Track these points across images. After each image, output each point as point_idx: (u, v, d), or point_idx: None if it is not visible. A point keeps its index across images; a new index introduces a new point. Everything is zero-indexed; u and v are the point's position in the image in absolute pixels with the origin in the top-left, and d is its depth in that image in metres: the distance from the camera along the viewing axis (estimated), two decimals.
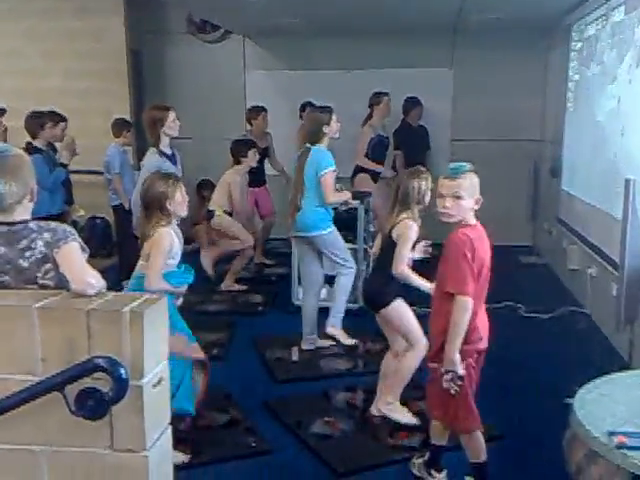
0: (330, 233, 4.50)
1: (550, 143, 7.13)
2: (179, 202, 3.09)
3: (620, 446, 1.82)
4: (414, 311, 3.48)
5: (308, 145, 4.43)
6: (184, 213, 3.17)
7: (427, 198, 3.39)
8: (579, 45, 6.01)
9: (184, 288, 3.15)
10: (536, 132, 7.55)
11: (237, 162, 5.74)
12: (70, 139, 5.41)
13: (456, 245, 2.59)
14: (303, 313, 4.66)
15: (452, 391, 2.63)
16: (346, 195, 4.65)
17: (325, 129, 4.35)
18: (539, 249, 7.47)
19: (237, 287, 5.95)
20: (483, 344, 2.73)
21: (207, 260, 5.87)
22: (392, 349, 3.58)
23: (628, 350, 3.87)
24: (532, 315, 5.30)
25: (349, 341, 4.61)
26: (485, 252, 2.63)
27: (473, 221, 2.69)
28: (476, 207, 2.67)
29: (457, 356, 2.57)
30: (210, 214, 5.75)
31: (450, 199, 2.60)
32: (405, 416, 3.51)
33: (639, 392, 2.14)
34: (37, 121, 5.26)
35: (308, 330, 4.62)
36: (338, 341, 4.63)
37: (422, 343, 3.37)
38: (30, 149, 5.12)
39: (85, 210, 6.79)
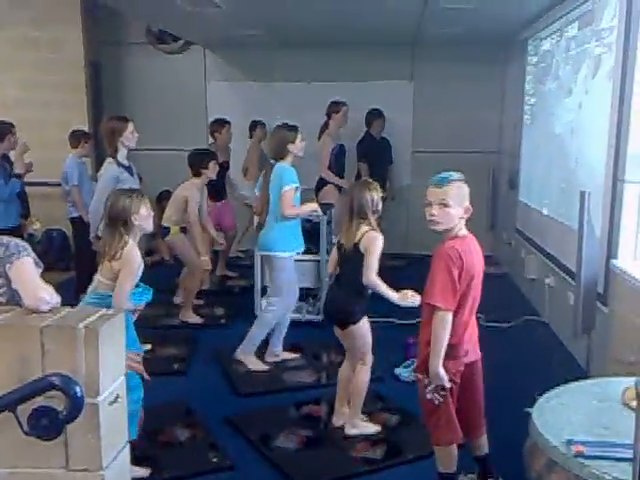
0: (282, 259, 4.38)
1: (508, 155, 7.27)
2: (144, 217, 3.06)
3: (578, 455, 1.84)
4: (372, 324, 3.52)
5: (272, 161, 4.44)
6: (150, 228, 3.14)
7: (380, 207, 3.46)
8: (535, 59, 6.16)
9: (142, 305, 3.14)
10: (494, 144, 7.69)
11: (196, 174, 5.36)
12: (23, 146, 5.31)
13: (441, 259, 2.58)
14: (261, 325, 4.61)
15: (436, 402, 2.64)
16: (309, 207, 4.51)
17: (290, 147, 4.35)
18: (498, 259, 7.58)
19: (194, 319, 5.43)
20: (469, 358, 2.72)
21: (188, 314, 5.47)
22: (349, 360, 3.62)
23: (586, 358, 3.94)
24: (492, 324, 5.36)
25: (259, 366, 4.46)
26: (474, 265, 2.62)
27: (463, 232, 2.67)
28: (465, 216, 2.65)
29: (441, 370, 2.56)
30: (165, 230, 5.37)
31: (437, 207, 2.61)
32: (368, 427, 3.59)
33: (596, 401, 2.18)
34: None
35: (273, 343, 4.59)
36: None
37: (370, 357, 3.53)
38: None
39: (42, 223, 6.63)
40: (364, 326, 3.46)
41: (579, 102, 4.68)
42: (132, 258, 2.95)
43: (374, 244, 3.33)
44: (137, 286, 3.10)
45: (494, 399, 3.92)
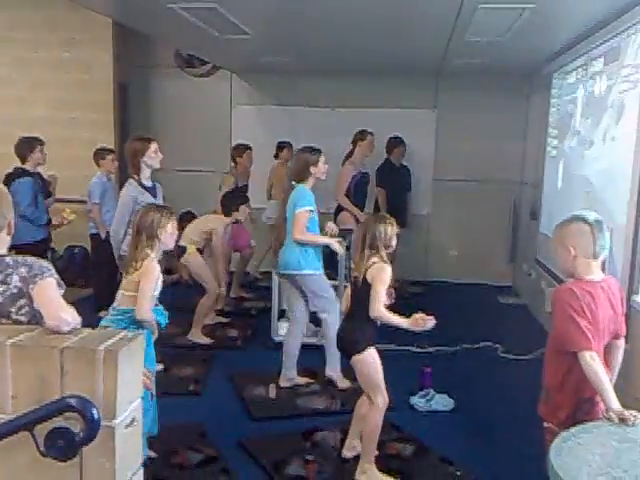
0: (311, 275, 4.45)
1: (530, 186, 7.25)
2: (169, 233, 3.16)
3: None
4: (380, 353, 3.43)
5: (293, 183, 4.48)
6: (171, 245, 3.24)
7: (394, 242, 3.39)
8: (559, 92, 6.16)
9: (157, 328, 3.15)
10: (516, 174, 7.67)
11: (226, 214, 5.60)
12: (54, 178, 5.66)
13: (558, 302, 2.51)
14: (284, 349, 4.62)
15: None
16: (323, 239, 4.53)
17: (312, 169, 4.39)
18: (518, 290, 7.53)
19: (203, 340, 5.46)
20: None
21: (197, 334, 5.52)
22: (366, 394, 3.50)
23: None
24: (510, 356, 5.32)
25: (344, 384, 4.49)
26: (596, 311, 2.45)
27: (586, 275, 2.53)
28: (575, 255, 2.52)
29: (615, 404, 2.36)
30: (181, 249, 5.40)
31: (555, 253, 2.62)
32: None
33: (615, 442, 2.14)
34: (27, 145, 5.35)
35: (287, 367, 4.58)
36: (331, 382, 4.59)
37: (383, 397, 3.32)
38: (19, 173, 5.19)
39: (64, 239, 6.76)
40: (369, 358, 3.29)
41: (603, 136, 4.66)
42: (151, 269, 3.04)
43: (381, 275, 3.25)
44: (156, 305, 3.15)
45: (510, 432, 3.90)
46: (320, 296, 4.49)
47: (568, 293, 2.49)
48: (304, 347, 4.68)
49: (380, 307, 3.24)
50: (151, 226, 3.09)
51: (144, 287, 3.01)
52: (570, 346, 2.44)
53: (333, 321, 4.48)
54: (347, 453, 3.58)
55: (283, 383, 4.55)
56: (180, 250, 5.42)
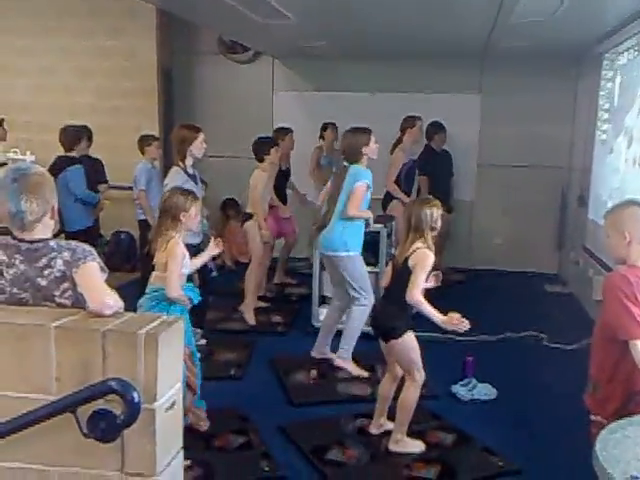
0: (351, 257, 4.48)
1: (579, 171, 7.05)
2: (192, 217, 3.32)
3: None
4: (418, 338, 3.45)
5: (346, 164, 4.47)
6: (195, 228, 3.48)
7: (439, 224, 3.41)
8: (610, 74, 5.94)
9: (189, 303, 3.29)
10: (564, 160, 7.46)
11: (260, 160, 5.55)
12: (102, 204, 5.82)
13: (610, 289, 2.43)
14: (322, 322, 4.78)
15: None
16: (368, 213, 4.58)
17: (364, 150, 4.40)
18: (565, 278, 7.35)
19: (250, 318, 5.56)
20: None
21: (248, 312, 5.59)
22: (391, 373, 3.60)
23: None
24: (556, 345, 5.20)
25: (359, 372, 4.51)
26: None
27: (639, 262, 2.42)
28: (630, 240, 2.40)
29: None
30: (247, 215, 5.56)
31: (607, 239, 2.52)
32: (416, 446, 3.51)
33: None
34: (76, 134, 5.46)
35: (321, 339, 4.71)
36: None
37: (420, 373, 3.41)
38: (69, 161, 5.30)
39: (111, 225, 6.88)
40: (407, 341, 3.37)
41: None
42: (175, 249, 3.20)
43: (423, 262, 3.27)
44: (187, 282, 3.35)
45: (554, 423, 3.81)
46: (358, 281, 4.49)
47: (621, 280, 2.40)
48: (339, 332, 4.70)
49: (417, 293, 3.25)
50: (175, 208, 3.24)
51: (171, 267, 3.17)
52: (622, 334, 2.35)
53: (362, 312, 4.48)
54: (374, 430, 3.66)
55: (314, 354, 4.72)
56: (246, 216, 5.60)
